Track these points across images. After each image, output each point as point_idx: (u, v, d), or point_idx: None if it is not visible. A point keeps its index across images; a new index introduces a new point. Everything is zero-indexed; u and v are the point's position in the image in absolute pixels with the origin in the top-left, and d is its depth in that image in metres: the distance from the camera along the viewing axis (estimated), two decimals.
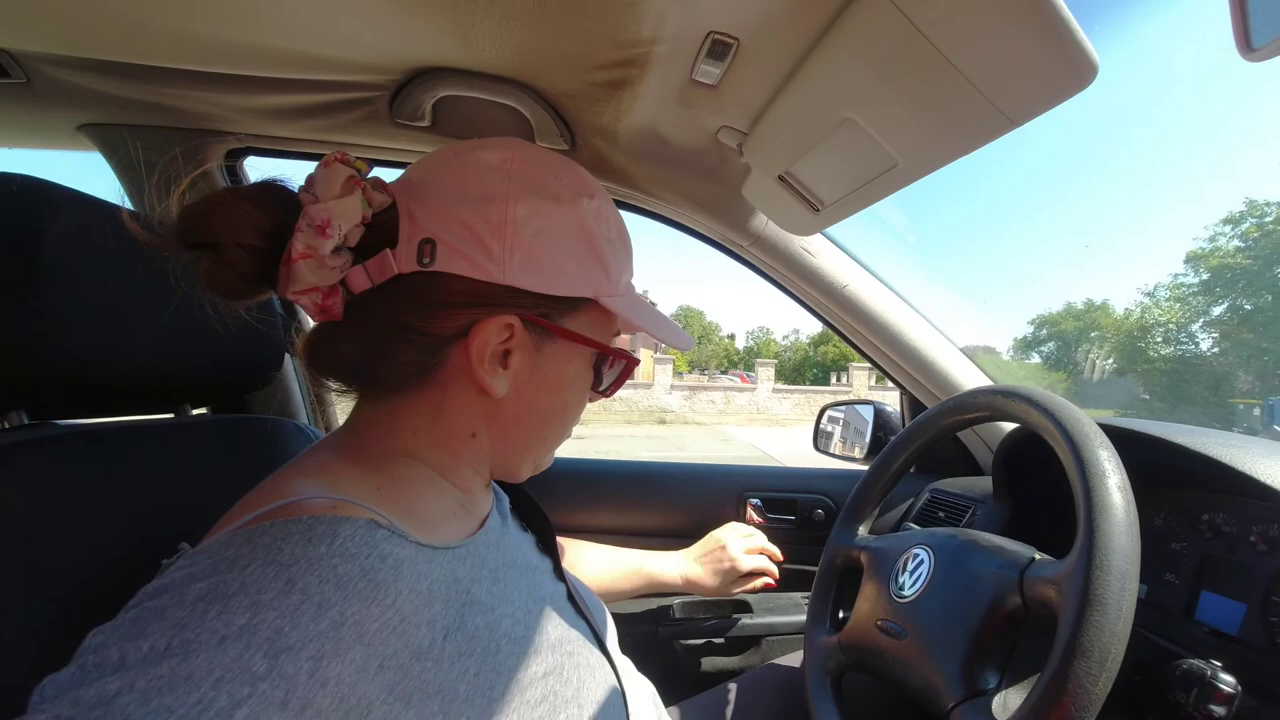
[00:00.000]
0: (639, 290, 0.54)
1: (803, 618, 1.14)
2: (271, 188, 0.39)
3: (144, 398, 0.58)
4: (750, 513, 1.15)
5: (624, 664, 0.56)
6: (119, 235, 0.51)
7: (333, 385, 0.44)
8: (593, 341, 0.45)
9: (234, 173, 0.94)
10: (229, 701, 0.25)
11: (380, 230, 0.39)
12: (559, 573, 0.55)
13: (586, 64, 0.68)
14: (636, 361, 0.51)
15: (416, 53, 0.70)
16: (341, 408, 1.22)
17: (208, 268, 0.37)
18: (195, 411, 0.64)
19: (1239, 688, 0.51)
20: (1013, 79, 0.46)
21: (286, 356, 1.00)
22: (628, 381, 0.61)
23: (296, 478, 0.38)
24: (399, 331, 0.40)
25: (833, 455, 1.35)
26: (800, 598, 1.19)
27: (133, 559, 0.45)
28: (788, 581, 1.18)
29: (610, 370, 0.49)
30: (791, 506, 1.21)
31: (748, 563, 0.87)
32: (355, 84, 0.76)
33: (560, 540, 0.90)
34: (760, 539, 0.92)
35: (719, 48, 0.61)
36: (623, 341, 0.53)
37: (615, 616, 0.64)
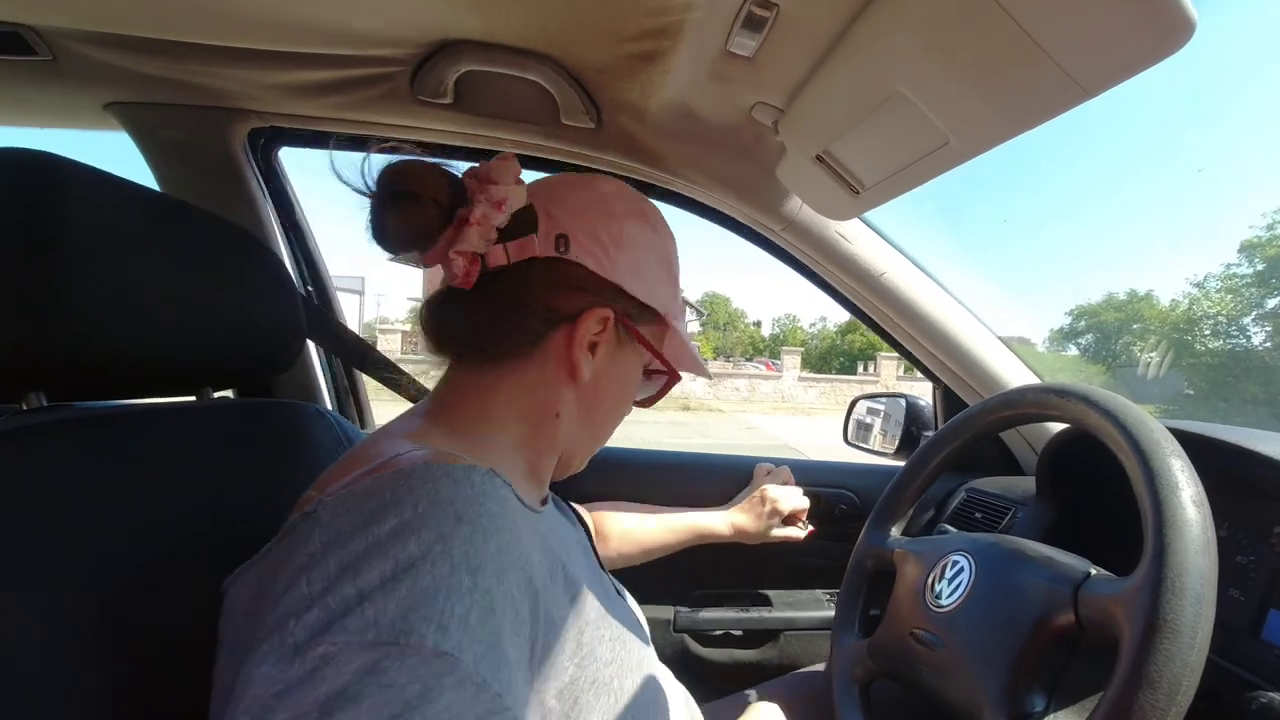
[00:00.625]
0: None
1: (822, 613, 1.12)
2: (445, 168, 0.46)
3: (165, 380, 0.57)
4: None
5: (661, 665, 0.58)
6: (142, 215, 0.50)
7: (426, 355, 0.50)
8: (658, 353, 0.52)
9: (256, 153, 0.93)
10: (462, 610, 0.30)
11: (520, 222, 0.46)
12: (601, 568, 0.60)
13: (615, 35, 0.65)
14: (678, 379, 0.56)
15: (438, 23, 0.67)
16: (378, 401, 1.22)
17: (403, 213, 0.44)
18: (217, 395, 0.64)
19: None
20: (1092, 40, 0.40)
21: (309, 340, 1.00)
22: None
23: (395, 439, 0.42)
24: (522, 305, 0.46)
25: (864, 449, 1.30)
26: (822, 594, 1.16)
27: (155, 541, 0.44)
28: (808, 577, 1.16)
29: (650, 382, 0.57)
30: (814, 501, 1.17)
31: (788, 504, 0.93)
32: (377, 59, 0.74)
33: (607, 506, 0.95)
34: (797, 491, 0.98)
35: (756, 16, 0.57)
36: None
37: None
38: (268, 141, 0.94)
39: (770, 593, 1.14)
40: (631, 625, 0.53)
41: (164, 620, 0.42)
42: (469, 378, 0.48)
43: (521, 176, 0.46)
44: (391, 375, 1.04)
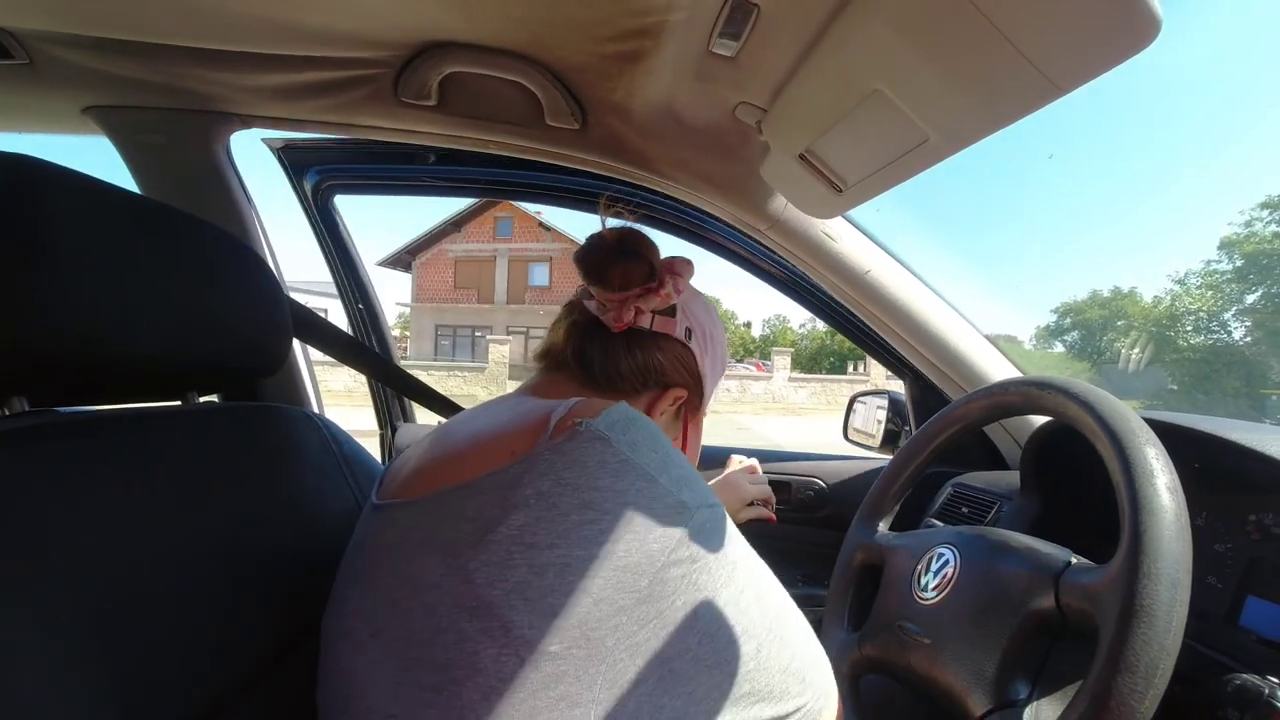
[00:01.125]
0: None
1: (790, 591, 1.16)
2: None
3: (149, 385, 0.57)
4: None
5: None
6: (124, 218, 0.50)
7: (535, 359, 0.61)
8: (686, 432, 0.64)
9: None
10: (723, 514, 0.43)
11: (669, 306, 0.58)
12: None
13: (597, 34, 0.65)
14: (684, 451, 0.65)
15: (422, 25, 0.67)
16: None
17: (630, 266, 0.57)
18: (202, 399, 0.63)
19: None
20: (1062, 39, 0.41)
21: (295, 344, 1.00)
22: None
23: (546, 401, 0.49)
24: (647, 363, 0.57)
25: (861, 445, 1.35)
26: (797, 576, 1.20)
27: (140, 547, 0.44)
28: (779, 560, 1.20)
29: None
30: (784, 488, 1.26)
31: (751, 491, 0.96)
32: (360, 60, 0.73)
33: None
34: (763, 481, 0.99)
35: (738, 15, 0.58)
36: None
37: None
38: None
39: None
40: None
41: (153, 626, 0.42)
42: (566, 383, 0.56)
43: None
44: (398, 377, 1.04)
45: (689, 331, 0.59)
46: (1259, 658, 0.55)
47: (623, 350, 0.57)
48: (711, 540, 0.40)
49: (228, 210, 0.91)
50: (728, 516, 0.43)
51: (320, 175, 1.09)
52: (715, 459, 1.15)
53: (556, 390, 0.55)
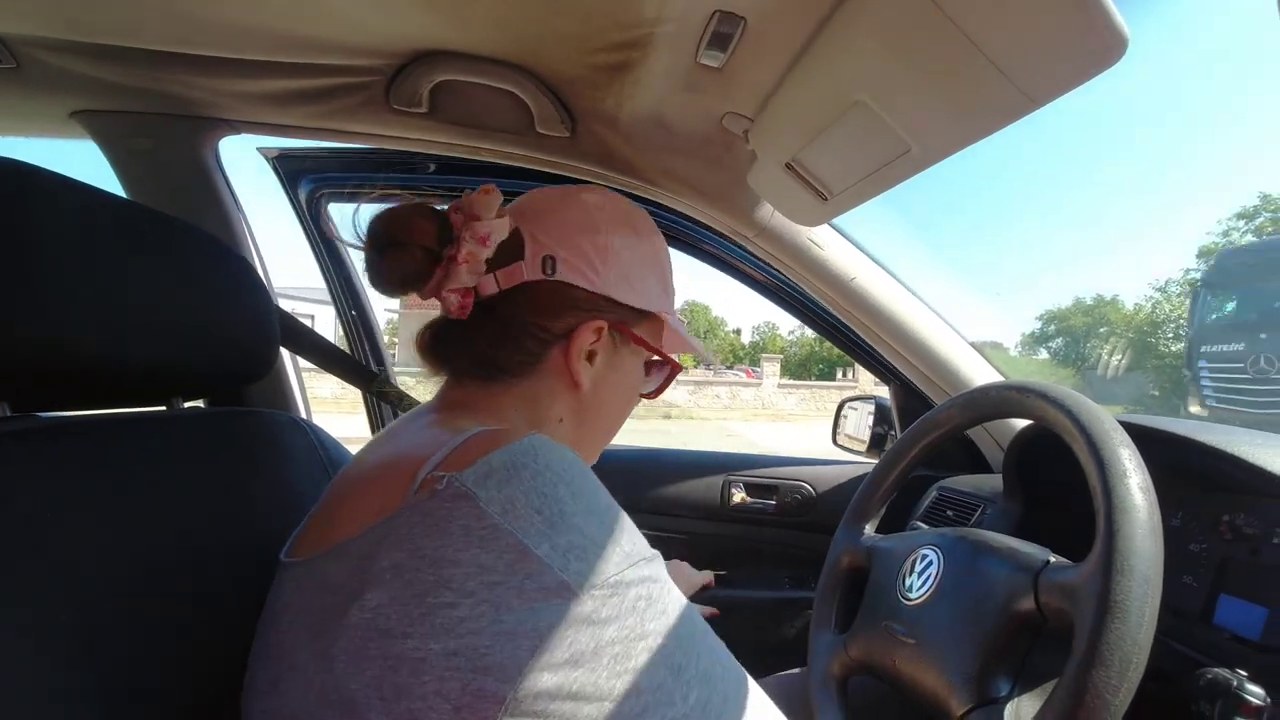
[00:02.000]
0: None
1: (773, 593, 1.23)
2: (431, 208, 0.48)
3: (133, 390, 0.56)
4: (735, 495, 1.28)
5: None
6: (111, 221, 0.50)
7: (425, 370, 0.52)
8: (656, 349, 0.54)
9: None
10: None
11: (507, 250, 0.47)
12: None
13: (587, 45, 0.66)
14: (680, 369, 0.60)
15: (413, 34, 0.68)
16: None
17: (392, 262, 0.46)
18: (188, 404, 0.63)
19: (1268, 699, 0.49)
20: (1035, 55, 0.43)
21: (282, 349, 0.99)
22: None
23: (435, 429, 0.43)
24: (518, 330, 0.48)
25: (851, 451, 1.38)
26: (784, 578, 1.25)
27: (123, 553, 0.43)
28: (767, 559, 1.28)
29: (652, 377, 0.59)
30: (772, 491, 1.29)
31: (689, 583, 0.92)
32: (351, 68, 0.74)
33: None
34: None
35: (725, 27, 0.59)
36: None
37: None
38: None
39: (730, 574, 1.22)
40: None
41: (136, 630, 0.42)
42: (475, 389, 0.49)
43: (502, 205, 0.48)
44: (380, 384, 1.04)
45: (549, 262, 0.47)
46: (1231, 654, 0.57)
47: (479, 334, 0.48)
48: (621, 636, 0.32)
49: (216, 216, 0.91)
50: (666, 591, 0.35)
51: (314, 184, 1.09)
52: (712, 465, 1.18)
53: (464, 401, 0.48)
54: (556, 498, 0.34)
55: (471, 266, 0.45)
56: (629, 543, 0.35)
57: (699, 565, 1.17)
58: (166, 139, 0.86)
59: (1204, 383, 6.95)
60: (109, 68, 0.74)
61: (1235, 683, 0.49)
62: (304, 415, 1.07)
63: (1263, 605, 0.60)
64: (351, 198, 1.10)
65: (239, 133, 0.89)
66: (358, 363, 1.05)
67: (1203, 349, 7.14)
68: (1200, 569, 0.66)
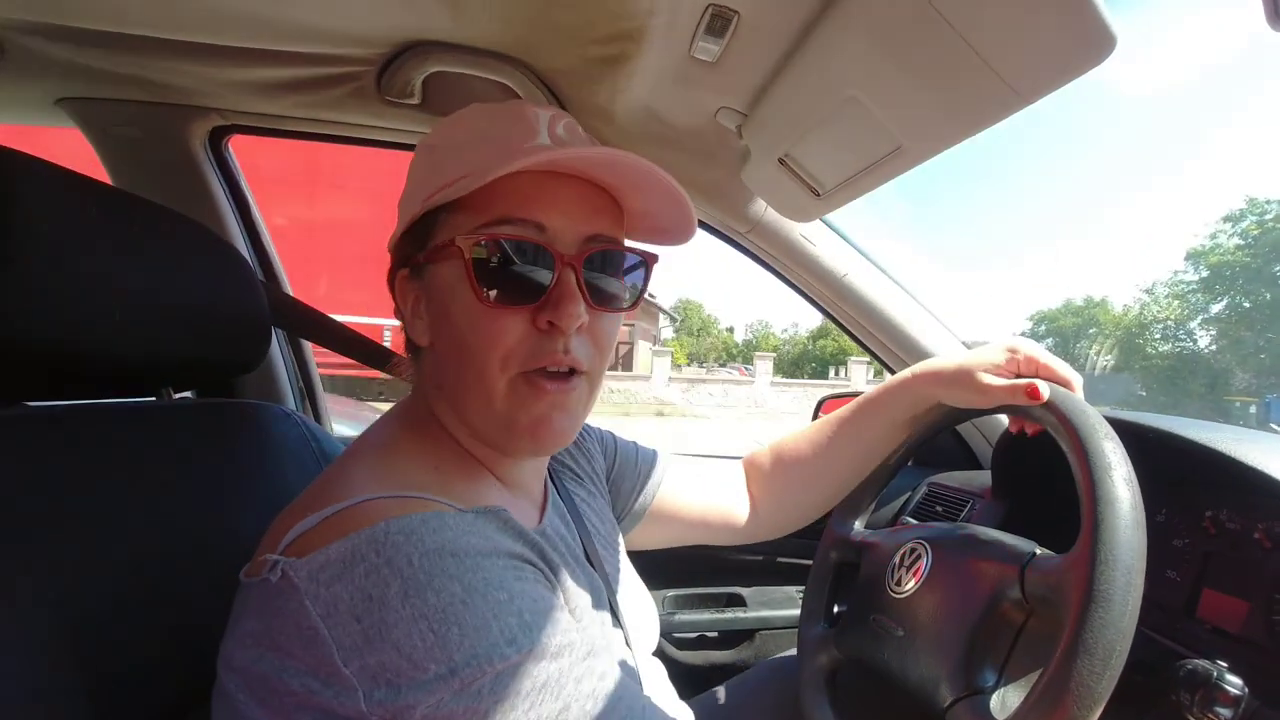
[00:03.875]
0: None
1: (796, 611, 1.14)
2: None
3: (122, 380, 0.56)
4: None
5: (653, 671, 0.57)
6: (97, 210, 0.49)
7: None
8: (441, 245, 0.42)
9: (218, 152, 0.92)
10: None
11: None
12: (590, 561, 0.55)
13: (581, 38, 0.66)
14: (540, 247, 0.42)
15: (406, 24, 0.67)
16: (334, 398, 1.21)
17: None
18: (178, 395, 0.63)
19: (1245, 689, 0.50)
20: (1025, 52, 0.43)
21: (274, 339, 0.99)
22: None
23: (361, 465, 0.42)
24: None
25: None
26: (794, 591, 1.18)
27: (113, 542, 0.43)
28: (780, 574, 1.20)
29: (506, 264, 0.41)
30: None
31: (1046, 356, 0.58)
32: (343, 58, 0.73)
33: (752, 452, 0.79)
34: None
35: (719, 21, 0.59)
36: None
37: None
38: (226, 138, 0.92)
39: (744, 591, 1.15)
40: (614, 642, 0.50)
41: (124, 621, 0.41)
42: (418, 381, 0.50)
43: None
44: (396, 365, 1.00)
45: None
46: (1212, 646, 0.58)
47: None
48: None
49: (204, 205, 0.90)
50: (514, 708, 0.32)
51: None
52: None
53: (407, 404, 0.50)
54: (384, 601, 0.31)
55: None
56: (468, 651, 0.31)
57: (702, 581, 1.13)
58: (153, 127, 0.85)
59: None
60: (95, 54, 0.73)
61: (1215, 673, 0.50)
62: (314, 408, 1.07)
63: (1244, 599, 0.61)
64: (260, 131, 0.96)
65: (229, 121, 0.88)
66: (372, 343, 1.01)
67: None
68: (1184, 564, 0.67)
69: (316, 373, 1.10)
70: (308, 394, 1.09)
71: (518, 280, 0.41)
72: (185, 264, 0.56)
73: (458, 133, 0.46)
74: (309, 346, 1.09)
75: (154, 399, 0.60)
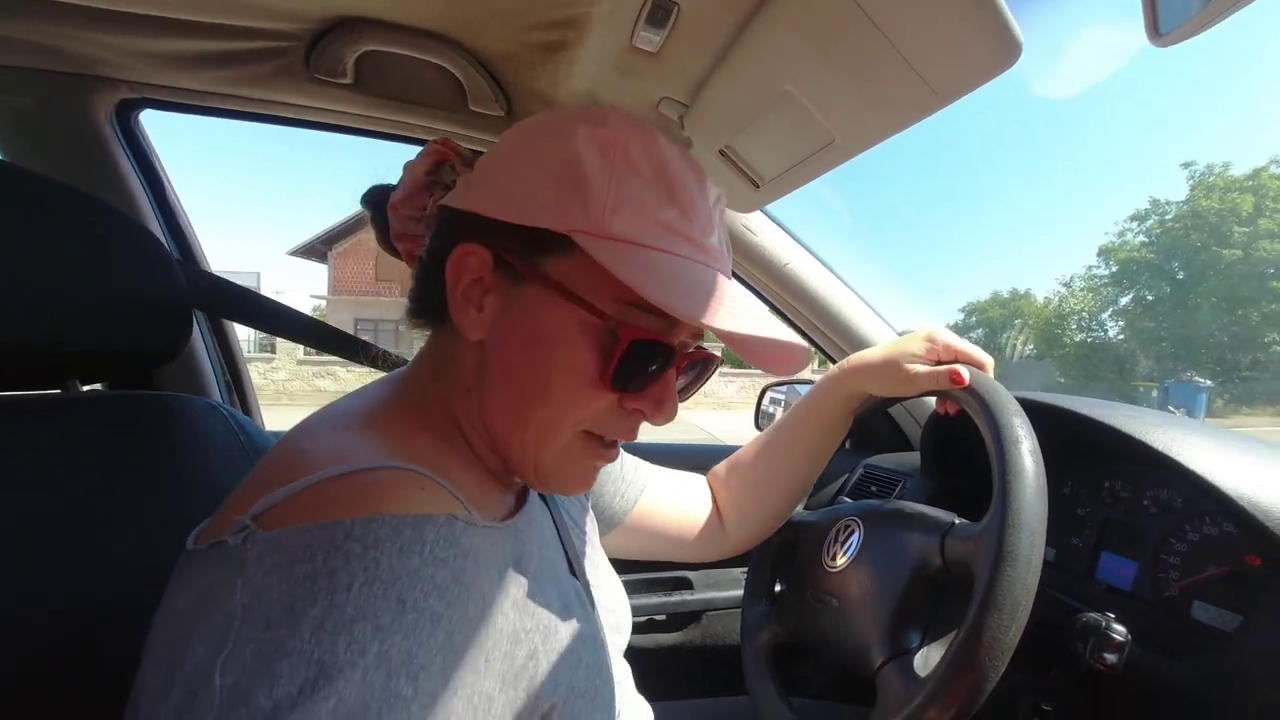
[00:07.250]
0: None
1: (741, 592, 1.18)
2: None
3: (22, 371, 0.51)
4: None
5: (624, 675, 0.56)
6: None
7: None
8: (568, 290, 0.37)
9: (126, 126, 0.85)
10: None
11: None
12: (573, 568, 0.52)
13: (521, 23, 0.65)
14: (671, 350, 0.39)
15: None
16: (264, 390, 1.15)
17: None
18: (87, 388, 0.58)
19: (1129, 636, 0.55)
20: (941, 54, 0.46)
21: (196, 329, 0.92)
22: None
23: (354, 429, 0.38)
24: (429, 267, 0.42)
25: None
26: (739, 573, 1.22)
27: (15, 542, 0.40)
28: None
29: (634, 359, 0.38)
30: None
31: (962, 344, 0.61)
32: (266, 31, 0.69)
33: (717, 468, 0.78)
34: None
35: (660, 11, 0.60)
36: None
37: None
38: (136, 112, 0.85)
39: (690, 574, 1.18)
40: (586, 643, 0.44)
41: (25, 648, 0.39)
42: (428, 343, 0.46)
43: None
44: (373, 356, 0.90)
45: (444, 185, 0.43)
46: (1107, 603, 0.64)
47: (419, 273, 0.45)
48: None
49: (112, 183, 0.83)
50: None
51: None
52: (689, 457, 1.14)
53: (410, 372, 0.46)
54: (296, 621, 0.26)
55: (408, 214, 0.45)
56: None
57: (648, 565, 1.12)
58: (53, 98, 0.78)
59: None
60: None
61: (1103, 623, 0.56)
62: (242, 399, 1.01)
63: (1134, 560, 0.67)
64: (174, 108, 0.88)
65: (138, 94, 0.82)
66: (336, 332, 0.94)
67: None
68: (1086, 530, 0.74)
69: (244, 360, 1.04)
70: (234, 384, 1.02)
71: (635, 369, 0.39)
72: (88, 245, 0.52)
73: (641, 161, 0.39)
74: (234, 330, 1.02)
75: (59, 392, 0.55)
